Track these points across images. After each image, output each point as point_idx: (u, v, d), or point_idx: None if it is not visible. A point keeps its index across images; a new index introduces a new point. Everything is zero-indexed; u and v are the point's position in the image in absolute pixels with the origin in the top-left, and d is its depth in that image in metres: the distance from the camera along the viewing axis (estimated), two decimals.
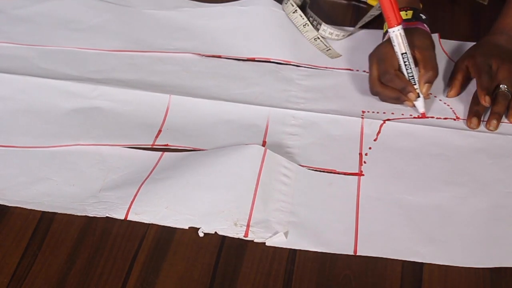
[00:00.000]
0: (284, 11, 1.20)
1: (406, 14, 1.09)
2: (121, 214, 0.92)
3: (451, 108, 1.09)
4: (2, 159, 0.99)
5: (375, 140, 1.03)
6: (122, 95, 1.08)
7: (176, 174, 0.96)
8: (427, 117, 1.07)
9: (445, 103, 1.10)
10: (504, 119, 1.06)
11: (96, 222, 0.92)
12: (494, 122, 1.05)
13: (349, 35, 1.20)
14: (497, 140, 1.03)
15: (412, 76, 1.04)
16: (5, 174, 0.97)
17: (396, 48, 1.04)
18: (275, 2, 1.22)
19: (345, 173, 0.99)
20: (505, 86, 1.05)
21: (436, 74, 1.06)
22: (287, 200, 0.94)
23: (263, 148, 0.98)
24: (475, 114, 1.05)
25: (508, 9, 1.13)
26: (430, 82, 1.05)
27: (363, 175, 0.98)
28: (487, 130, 1.05)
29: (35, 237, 0.90)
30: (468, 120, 1.05)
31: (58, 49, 1.17)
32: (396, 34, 1.03)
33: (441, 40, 1.20)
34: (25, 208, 0.93)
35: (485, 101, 1.04)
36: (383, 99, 1.07)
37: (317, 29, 1.19)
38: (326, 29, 1.19)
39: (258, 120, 1.06)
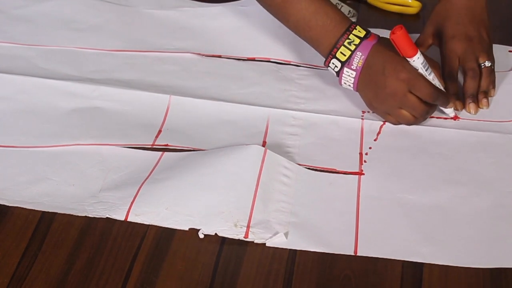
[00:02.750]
0: None
1: (360, 32, 1.02)
2: (121, 215, 0.92)
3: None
4: (2, 159, 0.99)
5: (375, 140, 1.03)
6: (122, 95, 1.08)
7: (176, 174, 0.96)
8: None
9: None
10: (504, 119, 1.07)
11: (96, 222, 0.92)
12: (485, 100, 1.08)
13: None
14: (498, 139, 1.03)
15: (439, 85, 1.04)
16: (5, 174, 0.97)
17: (422, 70, 1.01)
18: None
19: (345, 172, 0.99)
20: (490, 62, 1.08)
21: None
22: (287, 201, 0.94)
23: (263, 148, 0.98)
24: (456, 97, 1.08)
25: None
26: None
27: (363, 174, 0.98)
28: (488, 130, 1.05)
29: (35, 237, 0.90)
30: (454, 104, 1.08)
31: (58, 49, 1.17)
32: (420, 60, 1.00)
33: None
34: (25, 208, 0.93)
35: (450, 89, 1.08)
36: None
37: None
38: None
39: (258, 121, 1.06)
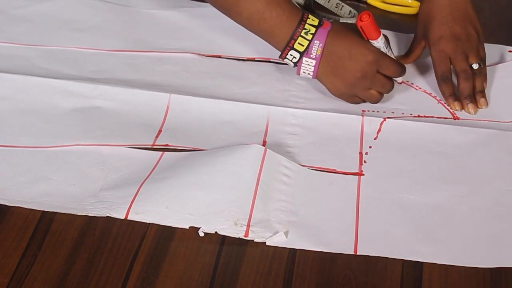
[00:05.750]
0: None
1: (313, 20, 1.04)
2: (121, 213, 0.92)
3: (450, 111, 1.09)
4: (2, 159, 0.99)
5: (375, 138, 1.03)
6: (122, 94, 1.08)
7: (176, 174, 0.96)
8: (428, 117, 1.07)
9: (444, 104, 1.10)
10: (505, 119, 1.07)
11: (96, 222, 0.91)
12: (483, 100, 1.08)
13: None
14: (498, 137, 1.03)
15: None
16: (5, 174, 0.97)
17: (384, 49, 1.05)
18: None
19: (345, 173, 0.99)
20: (478, 64, 1.09)
21: None
22: (287, 200, 0.94)
23: (263, 147, 0.98)
24: (454, 98, 1.09)
25: None
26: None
27: (363, 174, 0.98)
28: (488, 127, 1.05)
29: (35, 237, 0.90)
30: (450, 105, 1.09)
31: (58, 49, 1.17)
32: (383, 40, 1.04)
33: None
34: (25, 208, 0.93)
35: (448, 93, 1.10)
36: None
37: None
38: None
39: (258, 120, 1.06)
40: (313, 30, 1.03)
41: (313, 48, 1.03)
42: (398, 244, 0.90)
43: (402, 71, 1.06)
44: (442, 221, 0.93)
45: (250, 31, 1.07)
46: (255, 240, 0.90)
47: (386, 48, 1.05)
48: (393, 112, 1.07)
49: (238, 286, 0.86)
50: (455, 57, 1.09)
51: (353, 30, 1.04)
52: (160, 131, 1.04)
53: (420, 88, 1.12)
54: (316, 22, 1.03)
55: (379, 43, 1.03)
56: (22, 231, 0.91)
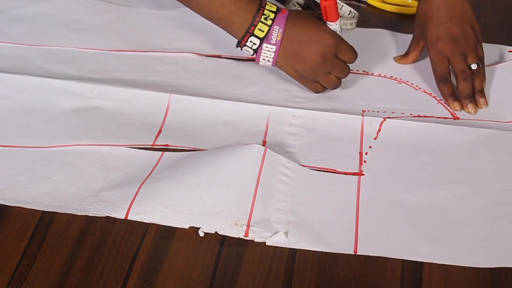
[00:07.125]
0: None
1: (271, 6, 1.05)
2: (121, 213, 0.92)
3: (450, 111, 1.09)
4: (2, 159, 0.99)
5: (375, 138, 1.03)
6: (122, 94, 1.08)
7: (176, 173, 0.96)
8: (427, 116, 1.07)
9: (444, 104, 1.10)
10: (505, 119, 1.07)
11: (96, 222, 0.91)
12: (483, 99, 1.09)
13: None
14: (498, 137, 1.03)
15: None
16: (5, 174, 0.97)
17: (339, 33, 1.06)
18: (276, 2, 1.22)
19: (345, 173, 0.99)
20: (477, 64, 1.09)
21: None
22: (287, 200, 0.94)
23: (263, 147, 0.98)
24: (454, 98, 1.09)
25: None
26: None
27: (363, 174, 0.98)
28: (488, 127, 1.05)
29: (35, 237, 0.90)
30: (450, 105, 1.09)
31: (58, 49, 1.17)
32: (340, 23, 1.06)
33: None
34: (25, 208, 0.93)
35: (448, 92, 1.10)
36: None
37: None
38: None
39: (258, 120, 1.06)
40: (272, 15, 1.03)
41: (273, 34, 1.03)
42: (398, 244, 0.90)
43: (356, 57, 1.06)
44: (442, 221, 0.93)
45: (208, 19, 1.07)
46: (255, 240, 0.90)
47: (341, 32, 1.06)
48: (393, 112, 1.07)
49: (238, 286, 0.86)
50: (453, 58, 1.09)
51: (311, 16, 1.05)
52: (160, 131, 1.04)
53: (420, 88, 1.12)
54: (274, 8, 1.04)
55: (336, 25, 1.04)
56: (22, 231, 0.91)
